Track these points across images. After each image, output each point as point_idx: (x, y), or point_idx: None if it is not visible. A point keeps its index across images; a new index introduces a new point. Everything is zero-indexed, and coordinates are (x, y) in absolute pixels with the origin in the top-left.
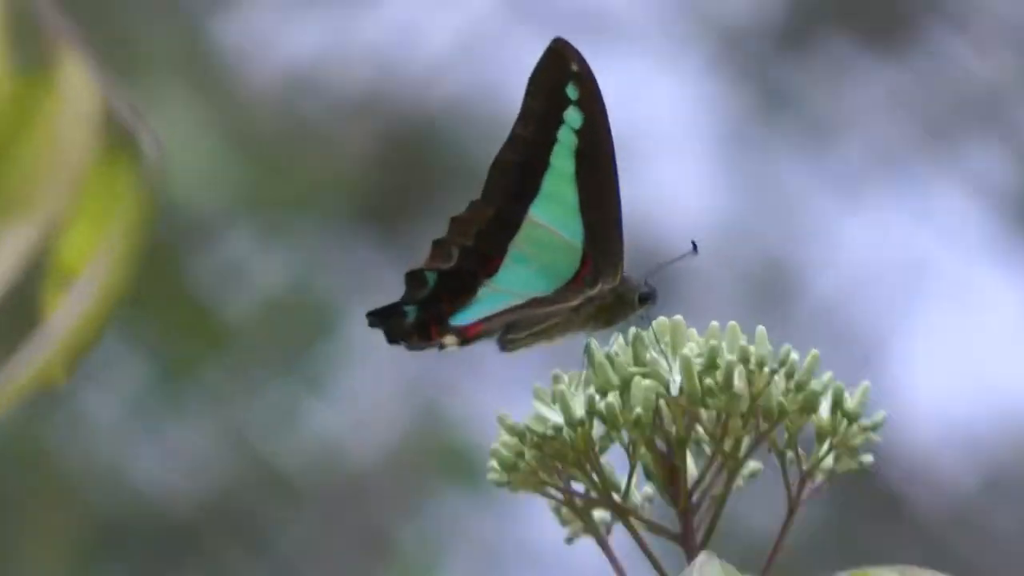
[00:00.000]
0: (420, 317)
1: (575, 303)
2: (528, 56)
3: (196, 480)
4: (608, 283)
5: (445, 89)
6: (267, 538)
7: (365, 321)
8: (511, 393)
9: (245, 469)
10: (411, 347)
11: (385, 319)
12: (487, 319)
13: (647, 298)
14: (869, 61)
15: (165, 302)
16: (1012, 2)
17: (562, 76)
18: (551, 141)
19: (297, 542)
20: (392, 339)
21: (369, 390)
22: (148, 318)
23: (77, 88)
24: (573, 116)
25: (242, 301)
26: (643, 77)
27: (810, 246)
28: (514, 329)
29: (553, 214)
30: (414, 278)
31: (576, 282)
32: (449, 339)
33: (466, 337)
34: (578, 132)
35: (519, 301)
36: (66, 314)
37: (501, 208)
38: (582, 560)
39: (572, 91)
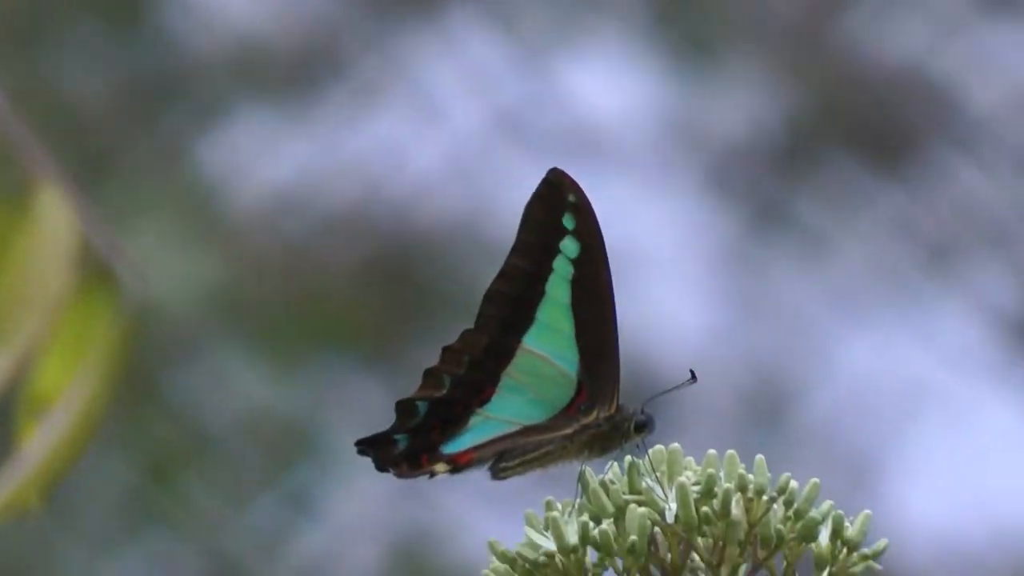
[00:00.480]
0: (410, 446)
1: (569, 431)
2: (516, 175)
3: None
4: (603, 411)
5: (432, 208)
6: None
7: (353, 447)
8: (497, 511)
9: None
10: (401, 475)
11: (375, 447)
12: (479, 447)
13: (643, 426)
14: (870, 180)
15: (147, 419)
16: (1018, 126)
17: (558, 206)
18: (546, 271)
19: None
20: (381, 467)
21: (353, 509)
22: (132, 436)
23: (54, 218)
24: (569, 246)
25: (225, 418)
26: (637, 196)
27: (808, 366)
28: (506, 457)
29: (547, 343)
30: (405, 407)
31: (570, 410)
32: (440, 467)
33: (457, 465)
34: (574, 261)
35: (512, 429)
36: (40, 443)
37: (494, 338)
38: None
39: (569, 221)
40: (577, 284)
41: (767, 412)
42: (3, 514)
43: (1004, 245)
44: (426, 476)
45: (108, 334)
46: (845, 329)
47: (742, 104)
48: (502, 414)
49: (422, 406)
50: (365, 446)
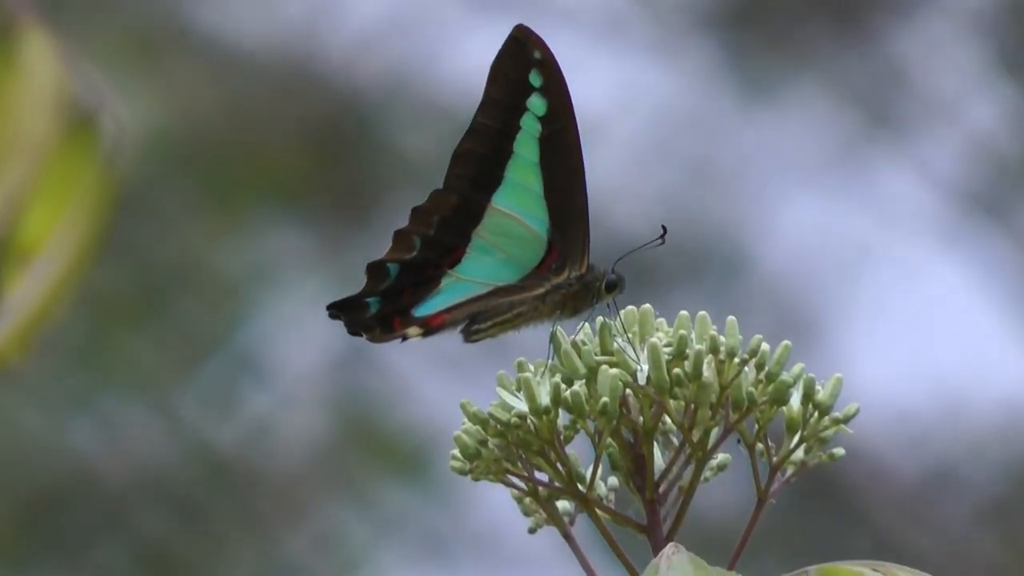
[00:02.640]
0: (382, 309)
1: (541, 292)
2: (459, 31)
3: (127, 454)
4: (575, 271)
5: (373, 64)
6: (199, 515)
7: (291, 303)
8: (443, 375)
9: (176, 445)
10: (373, 340)
11: (346, 311)
12: (451, 309)
13: (613, 286)
14: (821, 43)
15: (95, 276)
16: None
17: (525, 63)
18: (514, 129)
19: (229, 519)
20: (353, 331)
21: (299, 368)
22: (79, 292)
23: (40, 66)
24: (537, 103)
25: (174, 279)
26: (583, 55)
27: (754, 228)
28: (479, 319)
29: (517, 202)
30: (375, 269)
31: (541, 270)
32: (412, 330)
33: (430, 328)
34: (542, 119)
35: (483, 290)
36: (24, 292)
37: (463, 197)
38: (523, 548)
39: (536, 78)
40: (545, 142)
41: (715, 274)
42: None
43: (948, 111)
44: (399, 340)
45: (92, 183)
46: (791, 191)
47: None
48: (473, 275)
49: (393, 268)
50: (337, 310)
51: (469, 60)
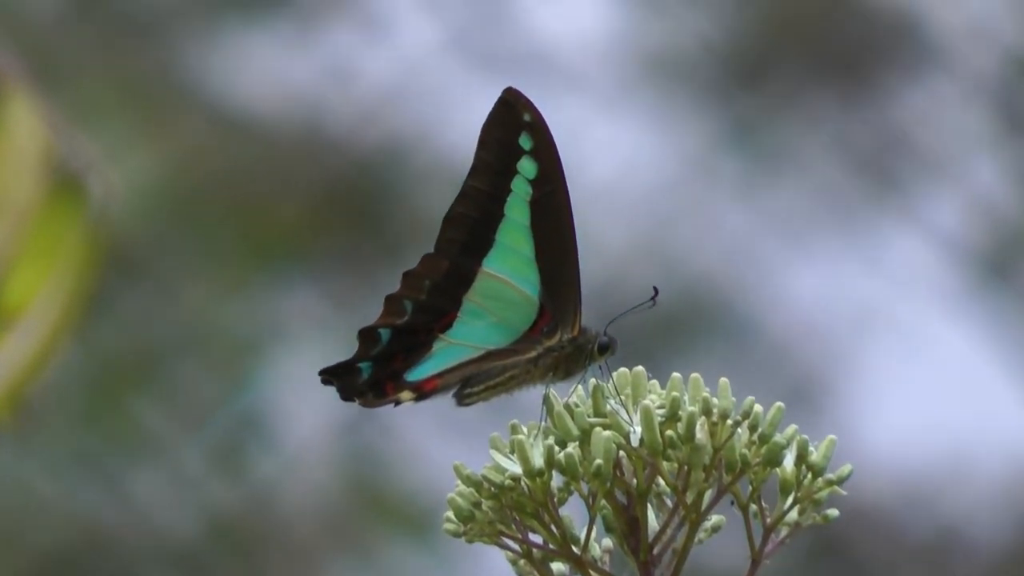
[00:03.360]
0: (375, 374)
1: (533, 354)
2: (467, 95)
3: (135, 515)
4: (566, 333)
5: (381, 128)
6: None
7: (304, 367)
8: (451, 437)
9: (183, 507)
10: (366, 405)
11: (339, 377)
12: (443, 373)
13: (606, 348)
14: (821, 104)
15: (100, 338)
16: (970, 55)
17: (515, 126)
18: (505, 193)
19: None
20: (346, 397)
21: (307, 431)
22: (84, 356)
23: (25, 128)
24: (527, 166)
25: (180, 339)
26: (586, 118)
27: (758, 292)
28: (471, 383)
29: (508, 266)
30: (367, 335)
31: (533, 333)
32: (405, 395)
33: (422, 392)
34: (532, 182)
35: (475, 354)
36: (10, 354)
37: (455, 261)
38: None
39: (526, 141)
40: (536, 205)
41: (722, 338)
42: None
43: (955, 172)
44: (391, 404)
45: (78, 244)
46: (794, 255)
47: (693, 25)
48: (465, 339)
49: (384, 333)
50: (329, 376)
51: (477, 122)
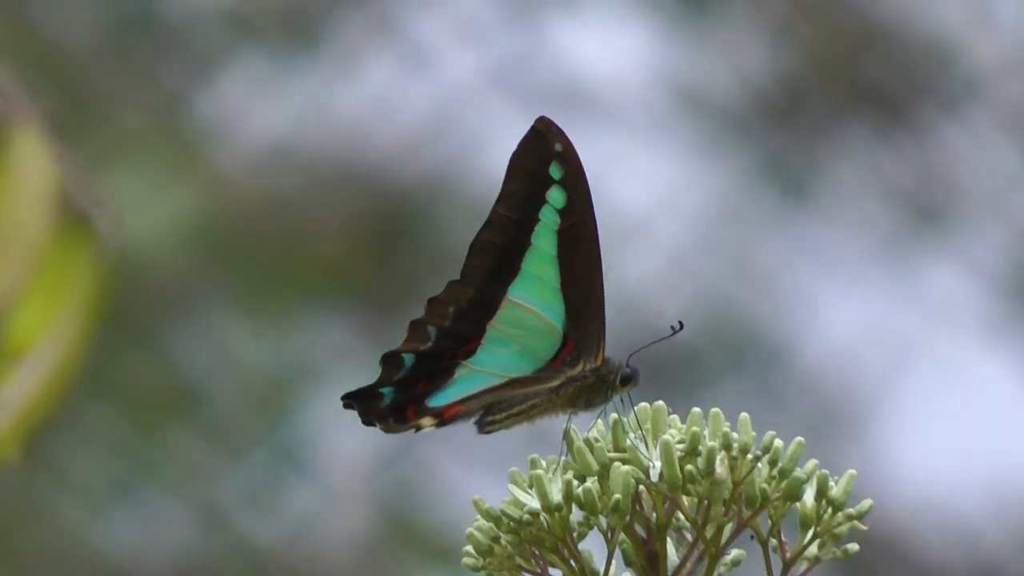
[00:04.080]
0: (396, 399)
1: (556, 384)
2: (506, 129)
3: (168, 550)
4: (590, 363)
5: (420, 161)
6: None
7: (340, 401)
8: (487, 471)
9: (217, 541)
10: (387, 430)
11: (360, 401)
12: (465, 400)
13: (628, 379)
14: (861, 139)
15: (139, 372)
16: (1006, 87)
17: (545, 156)
18: (532, 221)
19: None
20: (367, 421)
21: (343, 466)
22: (121, 389)
23: (33, 162)
24: (556, 196)
25: (217, 374)
26: (627, 153)
27: (796, 323)
28: (493, 410)
29: (533, 294)
30: (390, 360)
31: (556, 362)
32: (426, 421)
33: (443, 419)
34: (561, 212)
35: (498, 382)
36: (17, 389)
37: (479, 289)
38: None
39: (555, 171)
40: (563, 234)
41: (755, 369)
42: None
43: (993, 205)
44: (412, 430)
45: (86, 280)
46: (835, 287)
47: (734, 61)
48: (488, 366)
49: (408, 359)
50: (351, 400)
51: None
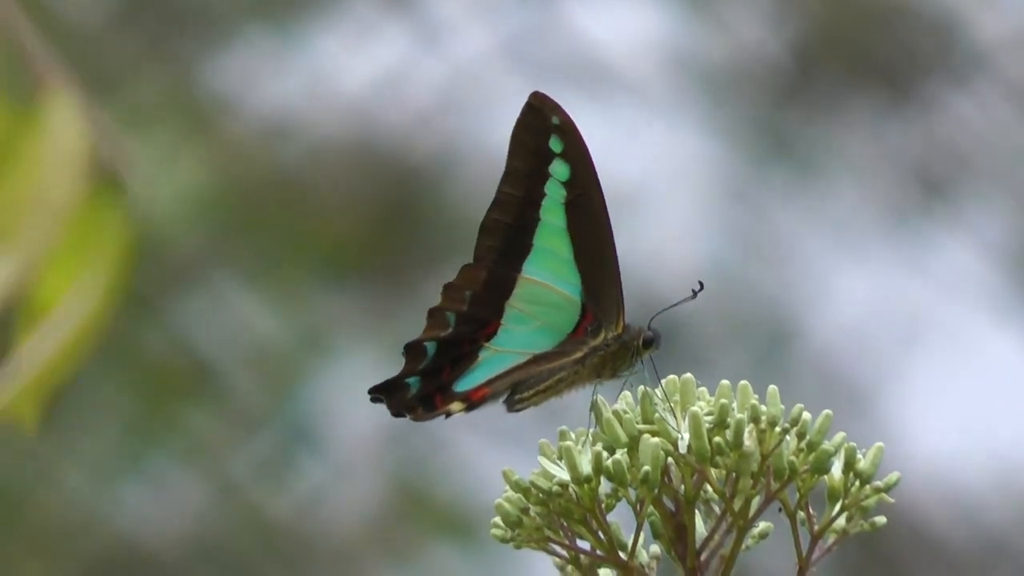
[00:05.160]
0: (423, 388)
1: (580, 355)
2: (517, 105)
3: (180, 523)
4: (611, 332)
5: (431, 137)
6: None
7: (348, 373)
8: (497, 445)
9: (230, 514)
10: (417, 419)
11: (388, 393)
12: (491, 382)
13: (651, 343)
14: (871, 112)
15: (149, 345)
16: (1015, 59)
17: (543, 130)
18: (538, 197)
19: None
20: (396, 413)
21: (354, 439)
22: (132, 362)
23: (63, 125)
24: (559, 169)
25: (227, 347)
26: (637, 125)
27: (806, 298)
28: (520, 388)
29: (547, 269)
30: (413, 349)
31: (578, 334)
32: (455, 406)
33: (472, 402)
34: (565, 184)
35: (522, 360)
36: (36, 350)
37: (493, 270)
38: None
39: (555, 144)
40: (571, 206)
41: (765, 345)
42: None
43: (1002, 179)
44: (442, 417)
45: (113, 244)
46: (843, 262)
47: (745, 34)
48: (510, 346)
49: (430, 347)
50: (378, 393)
51: None
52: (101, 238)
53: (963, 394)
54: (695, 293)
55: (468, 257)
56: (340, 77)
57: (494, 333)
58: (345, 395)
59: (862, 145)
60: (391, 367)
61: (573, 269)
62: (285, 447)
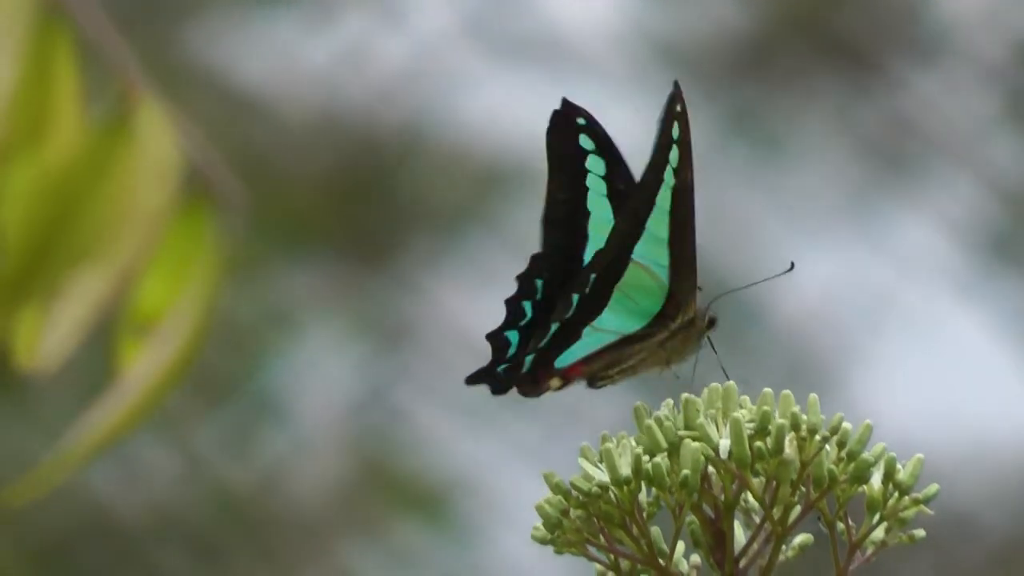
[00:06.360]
0: (533, 365)
1: (662, 337)
2: (481, 80)
3: (146, 495)
4: (686, 315)
5: (395, 112)
6: (216, 555)
7: (310, 356)
8: (460, 421)
9: (194, 486)
10: (525, 394)
11: (497, 372)
12: (588, 359)
13: (714, 323)
14: (834, 90)
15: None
16: (979, 39)
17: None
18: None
19: (247, 559)
20: (502, 390)
21: (319, 413)
22: (98, 332)
23: (155, 136)
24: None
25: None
26: (599, 101)
27: (768, 274)
28: (609, 367)
29: (650, 253)
30: (533, 329)
31: (662, 317)
32: (554, 382)
33: (568, 379)
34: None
35: (614, 339)
36: (145, 366)
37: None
38: None
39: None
40: (676, 191)
41: (729, 325)
42: (108, 441)
43: (965, 157)
44: (544, 392)
45: (210, 253)
46: (806, 240)
47: (707, 12)
48: (608, 326)
49: (554, 326)
50: (496, 371)
51: (487, 107)
52: (197, 248)
53: (927, 372)
54: (791, 267)
55: (430, 231)
56: (305, 53)
57: (600, 312)
58: (310, 369)
59: (825, 122)
60: (356, 341)
61: (666, 253)
62: (250, 420)
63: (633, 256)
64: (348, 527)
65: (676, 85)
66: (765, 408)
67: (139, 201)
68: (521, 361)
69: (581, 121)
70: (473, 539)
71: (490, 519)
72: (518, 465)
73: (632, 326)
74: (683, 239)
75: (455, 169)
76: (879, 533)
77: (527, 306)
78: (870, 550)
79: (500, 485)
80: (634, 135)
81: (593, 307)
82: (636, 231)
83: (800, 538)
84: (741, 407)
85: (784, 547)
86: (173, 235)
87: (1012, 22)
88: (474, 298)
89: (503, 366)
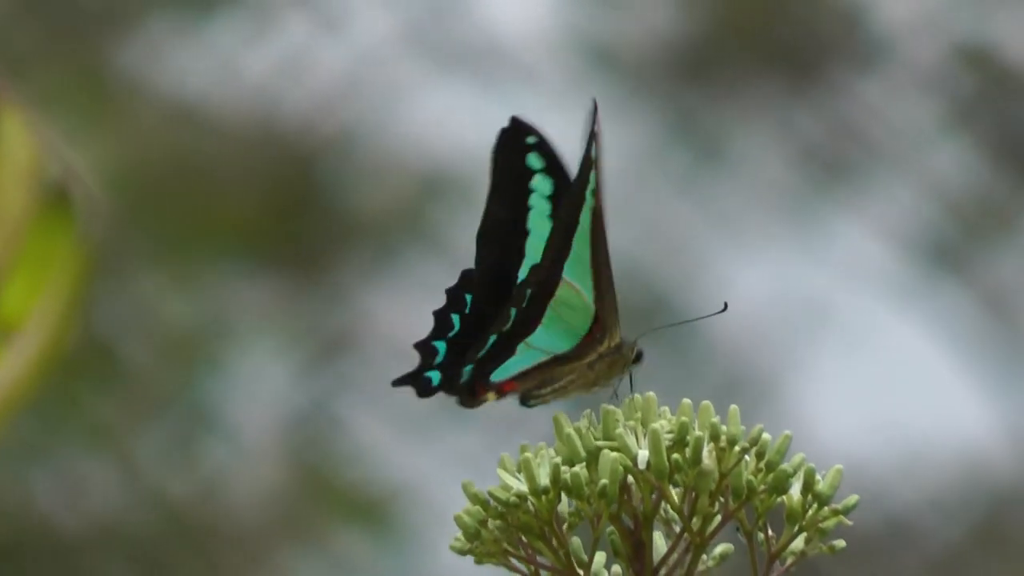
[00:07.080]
0: (471, 376)
1: (590, 360)
2: (420, 89)
3: (85, 506)
4: (612, 340)
5: (333, 120)
6: (157, 566)
7: (256, 362)
8: (399, 432)
9: (132, 496)
10: (464, 404)
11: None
12: (520, 376)
13: (640, 356)
14: (772, 97)
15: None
16: (917, 45)
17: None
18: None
19: (188, 570)
20: (426, 393)
21: (257, 422)
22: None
23: (16, 140)
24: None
25: (131, 330)
26: (537, 110)
27: (707, 286)
28: (541, 386)
29: (576, 273)
30: (502, 331)
31: (589, 339)
32: (490, 396)
33: (502, 393)
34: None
35: (545, 358)
36: (8, 369)
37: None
38: None
39: (535, 161)
40: (592, 211)
41: (666, 333)
42: None
43: (904, 164)
44: (480, 404)
45: (70, 256)
46: (742, 248)
47: (645, 20)
48: (541, 344)
49: (492, 338)
50: (447, 378)
51: (426, 116)
52: (58, 252)
53: (864, 380)
54: (725, 307)
55: (369, 241)
56: (244, 62)
57: (534, 330)
58: (249, 379)
59: (766, 129)
60: (294, 351)
61: (589, 274)
62: (189, 431)
63: (564, 275)
64: (289, 537)
65: (594, 102)
66: (683, 419)
67: (3, 204)
68: (459, 371)
69: (531, 140)
70: (413, 548)
71: (430, 528)
72: (458, 474)
73: (563, 346)
74: (602, 262)
75: (392, 180)
76: (799, 543)
77: (455, 319)
78: (789, 560)
79: (440, 494)
80: (572, 145)
81: (528, 323)
82: (566, 247)
83: (720, 548)
84: (661, 418)
85: (704, 557)
86: (34, 241)
87: (951, 28)
88: (411, 309)
89: (432, 371)
